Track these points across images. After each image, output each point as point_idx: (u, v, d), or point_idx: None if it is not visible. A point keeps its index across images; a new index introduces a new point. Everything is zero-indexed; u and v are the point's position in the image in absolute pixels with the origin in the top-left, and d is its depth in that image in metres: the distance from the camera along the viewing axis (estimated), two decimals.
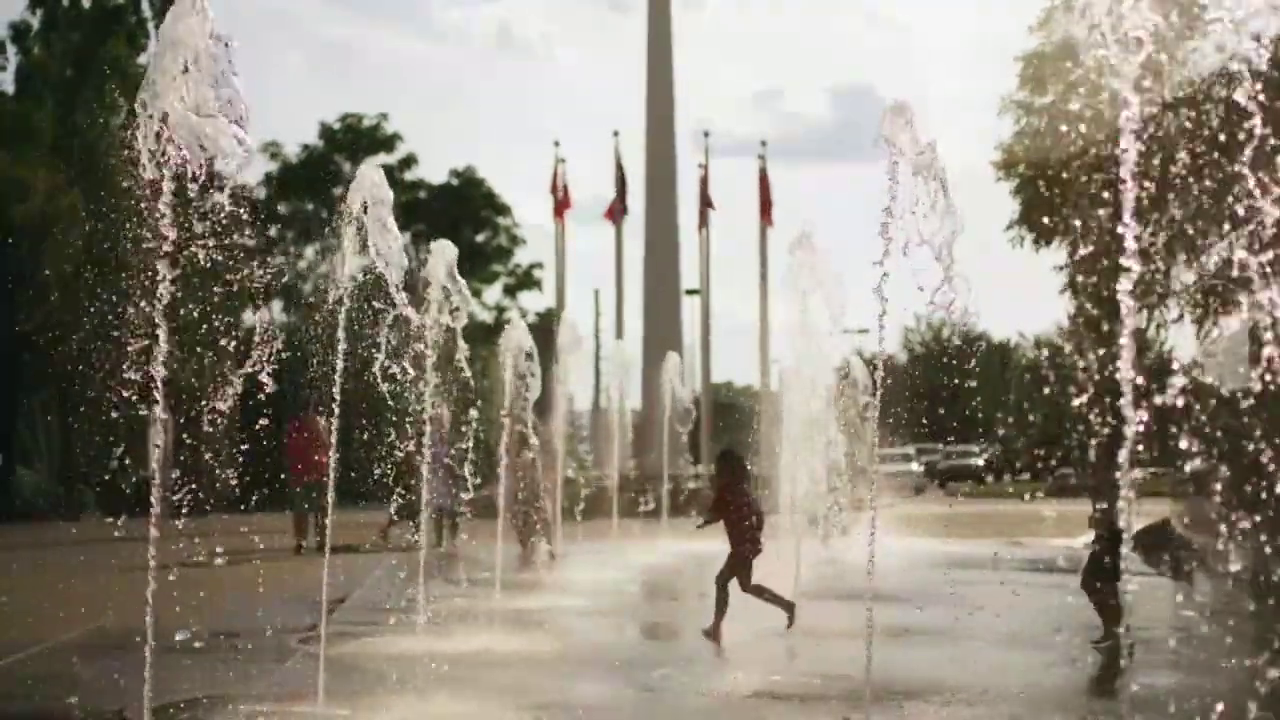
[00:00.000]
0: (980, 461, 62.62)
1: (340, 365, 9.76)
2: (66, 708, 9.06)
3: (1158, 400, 4.06)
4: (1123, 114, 4.03)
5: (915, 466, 53.57)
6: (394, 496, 14.17)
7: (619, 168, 46.69)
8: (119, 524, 9.71)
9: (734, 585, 12.88)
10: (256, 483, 12.61)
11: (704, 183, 46.54)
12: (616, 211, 46.57)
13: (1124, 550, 11.94)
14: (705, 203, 46.27)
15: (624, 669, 11.86)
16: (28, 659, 11.67)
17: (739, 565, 13.02)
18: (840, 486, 19.81)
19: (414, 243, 44.66)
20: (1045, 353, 79.10)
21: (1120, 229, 4.16)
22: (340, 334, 9.73)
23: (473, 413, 15.51)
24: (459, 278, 13.38)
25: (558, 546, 22.49)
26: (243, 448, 9.81)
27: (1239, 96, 4.27)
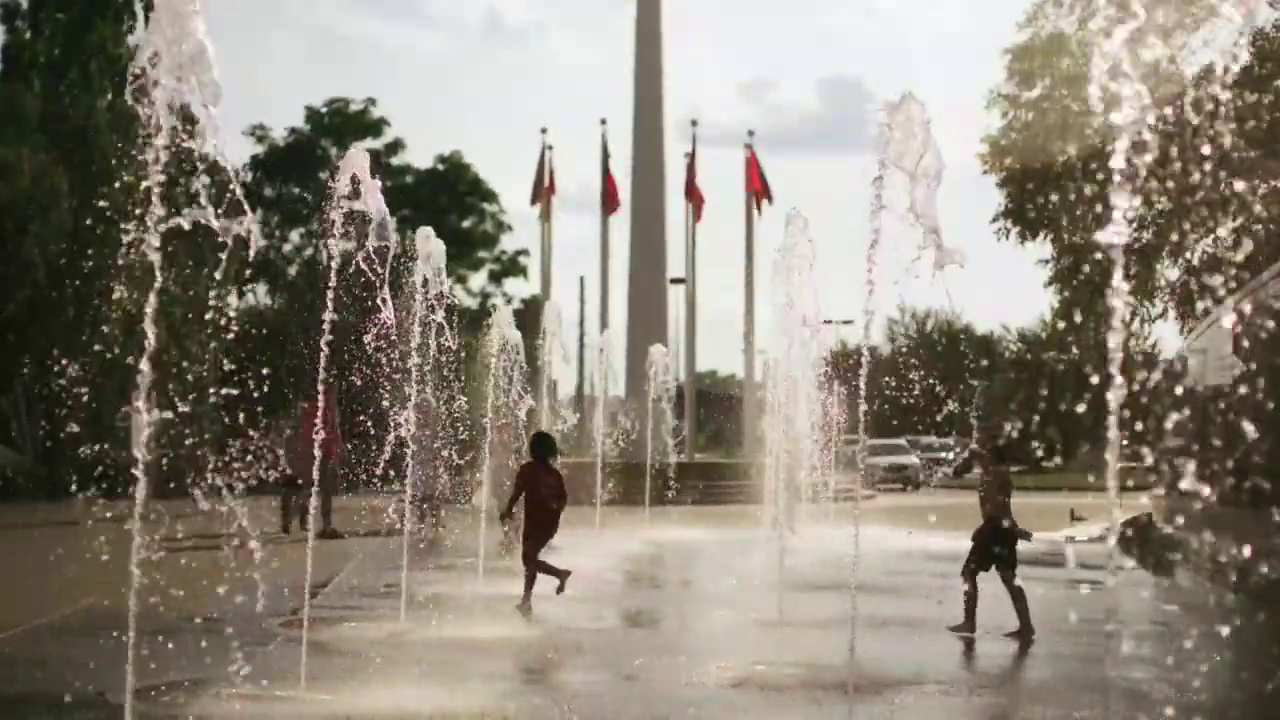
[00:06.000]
0: (952, 455, 62.42)
1: (327, 352, 9.74)
2: (48, 690, 9.03)
3: (1109, 397, 4.05)
4: (1117, 107, 4.04)
5: (914, 459, 51.65)
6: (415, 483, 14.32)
7: (605, 156, 46.66)
8: (101, 505, 9.68)
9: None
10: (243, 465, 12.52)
11: (690, 171, 46.48)
12: (606, 201, 46.52)
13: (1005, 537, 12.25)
14: (691, 192, 46.21)
15: (605, 657, 11.86)
16: (8, 641, 11.64)
17: (532, 539, 13.94)
18: (801, 477, 19.87)
19: (400, 228, 44.54)
20: (1018, 346, 79.30)
21: (1108, 223, 4.18)
22: (327, 318, 9.71)
23: (458, 400, 15.49)
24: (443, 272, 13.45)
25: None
26: (226, 427, 9.78)
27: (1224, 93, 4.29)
